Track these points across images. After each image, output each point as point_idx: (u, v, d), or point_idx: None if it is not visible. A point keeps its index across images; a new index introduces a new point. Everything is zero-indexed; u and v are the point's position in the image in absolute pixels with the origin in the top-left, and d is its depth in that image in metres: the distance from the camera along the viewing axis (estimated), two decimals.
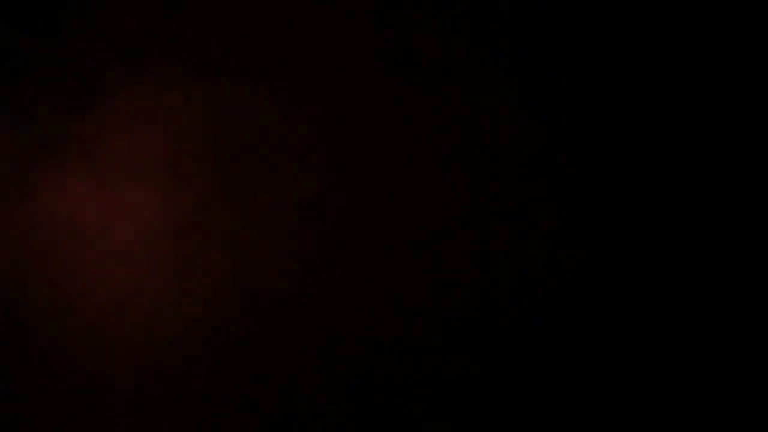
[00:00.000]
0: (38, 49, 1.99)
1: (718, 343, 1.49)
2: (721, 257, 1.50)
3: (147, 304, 1.78)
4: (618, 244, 1.57)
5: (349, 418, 1.68)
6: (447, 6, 1.74)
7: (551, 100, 1.65)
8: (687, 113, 1.56)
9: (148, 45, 1.90)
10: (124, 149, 1.87)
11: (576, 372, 1.56)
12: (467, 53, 1.72)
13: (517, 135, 1.66)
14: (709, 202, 1.52)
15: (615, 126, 1.60)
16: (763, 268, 1.49)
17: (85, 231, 1.83)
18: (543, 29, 1.67)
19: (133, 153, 1.86)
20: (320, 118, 1.78)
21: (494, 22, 1.71)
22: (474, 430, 1.61)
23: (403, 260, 1.69)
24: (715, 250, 1.51)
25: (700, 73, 1.56)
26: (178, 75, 1.87)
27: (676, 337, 1.52)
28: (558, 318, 1.59)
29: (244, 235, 1.77)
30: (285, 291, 1.74)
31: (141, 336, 1.77)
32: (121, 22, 1.93)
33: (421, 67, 1.74)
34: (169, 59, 1.88)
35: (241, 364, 1.73)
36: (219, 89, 1.84)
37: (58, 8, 1.98)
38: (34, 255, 1.85)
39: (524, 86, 1.67)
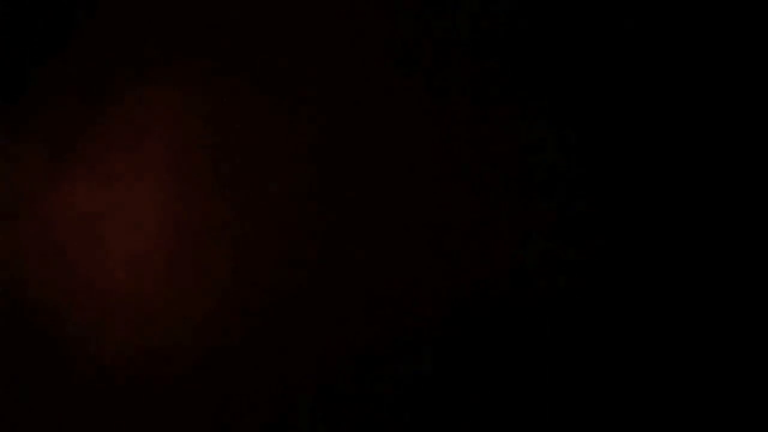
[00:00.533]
0: (45, 56, 2.01)
1: (716, 340, 1.49)
2: (720, 256, 1.50)
3: (149, 305, 1.78)
4: (617, 244, 1.57)
5: (350, 418, 1.68)
6: (449, 7, 1.75)
7: (551, 100, 1.65)
8: (685, 112, 1.56)
9: (152, 50, 1.91)
10: (128, 152, 1.88)
11: (575, 371, 1.56)
12: (468, 53, 1.73)
13: (516, 136, 1.67)
14: (708, 201, 1.52)
15: (614, 126, 1.60)
16: (763, 267, 1.48)
17: (89, 233, 1.84)
18: (543, 30, 1.67)
19: (137, 156, 1.87)
20: (321, 119, 1.79)
21: (495, 24, 1.71)
22: (474, 427, 1.61)
23: (403, 259, 1.69)
24: (714, 249, 1.51)
25: (700, 72, 1.56)
26: (182, 78, 1.88)
27: (675, 336, 1.51)
28: (557, 318, 1.58)
29: (247, 237, 1.77)
30: (286, 291, 1.74)
31: (142, 336, 1.77)
32: (125, 28, 1.94)
33: (421, 69, 1.75)
34: (172, 63, 1.89)
35: (242, 364, 1.73)
36: (221, 92, 1.85)
37: (64, 16, 2.00)
38: (37, 257, 1.86)
39: (523, 87, 1.68)
